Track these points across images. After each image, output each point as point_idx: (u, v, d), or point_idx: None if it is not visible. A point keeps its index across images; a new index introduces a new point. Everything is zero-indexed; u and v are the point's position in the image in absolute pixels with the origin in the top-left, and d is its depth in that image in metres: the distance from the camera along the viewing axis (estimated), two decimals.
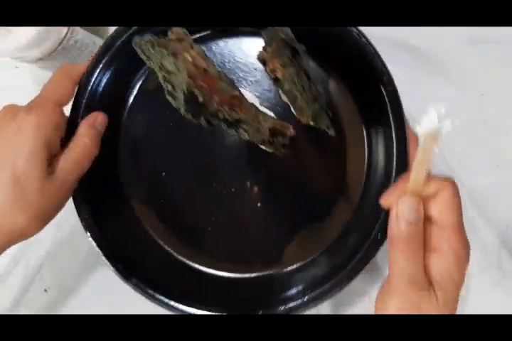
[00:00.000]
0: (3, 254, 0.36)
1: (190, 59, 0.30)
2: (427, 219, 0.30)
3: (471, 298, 0.40)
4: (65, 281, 0.46)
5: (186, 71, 0.29)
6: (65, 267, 0.47)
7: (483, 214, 0.44)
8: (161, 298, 0.39)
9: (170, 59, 0.31)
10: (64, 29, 0.41)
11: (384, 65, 0.37)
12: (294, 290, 0.40)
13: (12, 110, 0.35)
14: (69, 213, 0.39)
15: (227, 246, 0.42)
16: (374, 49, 0.36)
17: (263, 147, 0.38)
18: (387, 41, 0.36)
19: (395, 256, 0.30)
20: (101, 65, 0.40)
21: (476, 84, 0.44)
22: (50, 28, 0.40)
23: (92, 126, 0.38)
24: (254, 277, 0.42)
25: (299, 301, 0.38)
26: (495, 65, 0.44)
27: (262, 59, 0.36)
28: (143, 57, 0.33)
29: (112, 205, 0.42)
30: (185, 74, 0.30)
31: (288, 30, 0.34)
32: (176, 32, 0.32)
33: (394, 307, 0.30)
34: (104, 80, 0.41)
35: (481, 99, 0.44)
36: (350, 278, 0.37)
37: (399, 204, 0.29)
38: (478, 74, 0.44)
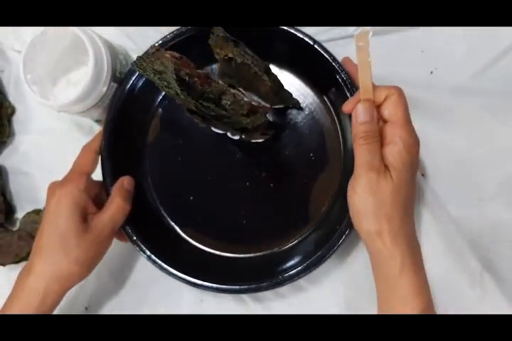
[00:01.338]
0: None
1: (168, 55, 0.38)
2: (383, 121, 0.38)
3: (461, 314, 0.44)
4: (103, 301, 0.52)
5: (170, 63, 0.38)
6: (103, 289, 0.52)
7: (467, 241, 0.48)
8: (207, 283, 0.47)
9: (157, 62, 0.39)
10: (105, 87, 0.45)
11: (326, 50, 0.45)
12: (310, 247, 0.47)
13: (52, 187, 0.44)
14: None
15: (262, 230, 0.50)
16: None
17: (254, 140, 0.46)
18: None
19: (357, 151, 0.38)
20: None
21: (462, 128, 0.49)
22: (93, 88, 0.44)
23: (121, 188, 0.45)
24: (290, 246, 0.49)
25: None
26: (477, 112, 0.49)
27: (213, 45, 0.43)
28: (140, 71, 0.41)
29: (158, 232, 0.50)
30: (170, 66, 0.38)
31: (222, 29, 0.41)
32: (152, 46, 0.40)
33: (360, 188, 0.37)
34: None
35: (467, 141, 0.49)
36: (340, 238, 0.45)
37: (355, 109, 0.37)
38: (463, 120, 0.49)
